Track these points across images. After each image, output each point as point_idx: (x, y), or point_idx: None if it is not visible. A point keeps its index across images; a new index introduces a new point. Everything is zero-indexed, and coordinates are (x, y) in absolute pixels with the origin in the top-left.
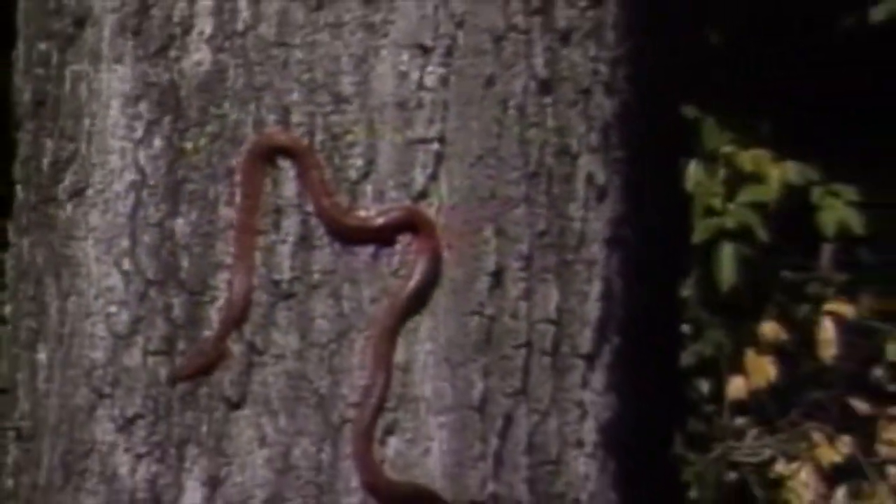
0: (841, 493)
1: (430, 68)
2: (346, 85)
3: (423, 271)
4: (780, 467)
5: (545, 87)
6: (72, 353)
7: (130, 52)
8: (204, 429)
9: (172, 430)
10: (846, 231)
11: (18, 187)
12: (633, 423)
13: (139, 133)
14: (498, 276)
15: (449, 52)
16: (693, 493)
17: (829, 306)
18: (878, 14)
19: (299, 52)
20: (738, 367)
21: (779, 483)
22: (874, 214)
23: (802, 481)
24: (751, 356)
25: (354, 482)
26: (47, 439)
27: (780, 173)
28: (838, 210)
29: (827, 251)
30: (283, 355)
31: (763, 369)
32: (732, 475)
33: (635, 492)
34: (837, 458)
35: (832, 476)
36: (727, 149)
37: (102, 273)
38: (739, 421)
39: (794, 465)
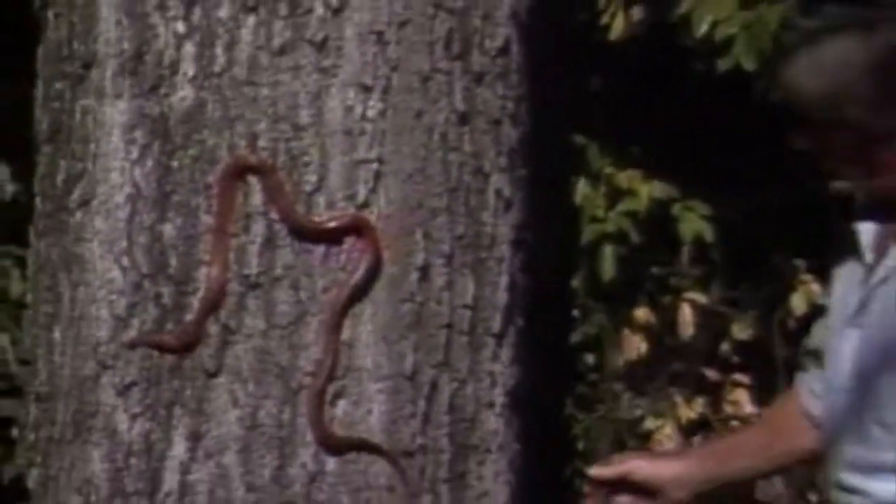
0: (696, 442)
1: (370, 103)
2: (303, 116)
3: (366, 267)
4: (649, 424)
5: (463, 118)
6: (81, 332)
7: (128, 90)
8: (188, 393)
9: (162, 394)
10: (699, 237)
11: (37, 199)
12: (532, 389)
13: (135, 155)
14: (425, 271)
15: (386, 91)
16: (580, 445)
17: (687, 295)
18: (723, 65)
19: (265, 90)
20: (617, 344)
21: (648, 436)
22: (720, 224)
23: (666, 434)
24: (626, 335)
25: (310, 437)
26: (61, 402)
27: (649, 190)
28: (693, 221)
29: (685, 252)
30: (252, 335)
31: (636, 345)
32: (612, 430)
33: (535, 444)
34: (693, 416)
35: (689, 430)
36: (608, 170)
37: (105, 268)
38: (617, 387)
39: (660, 422)
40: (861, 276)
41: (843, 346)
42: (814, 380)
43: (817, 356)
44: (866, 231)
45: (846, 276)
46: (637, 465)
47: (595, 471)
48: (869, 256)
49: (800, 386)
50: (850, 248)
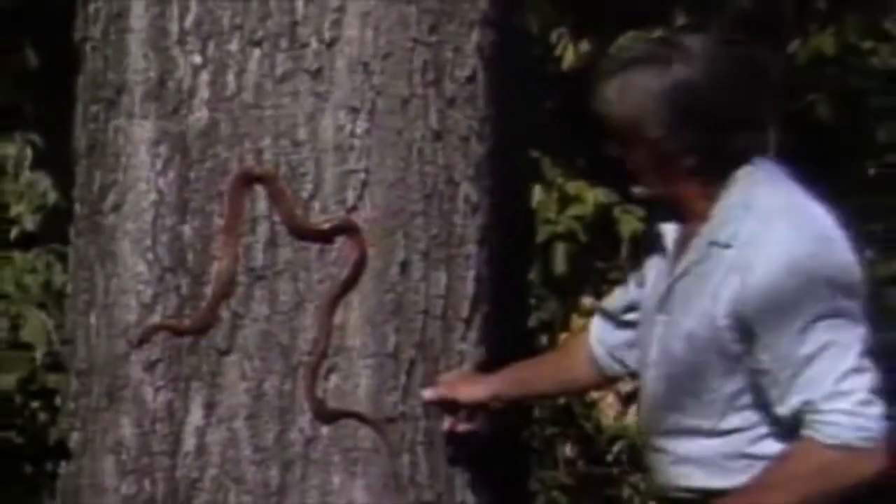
0: (632, 410)
1: (358, 123)
2: (301, 134)
3: (354, 262)
4: (594, 394)
5: (437, 136)
6: (113, 317)
7: (153, 112)
8: (203, 369)
9: (182, 370)
10: (636, 235)
11: (76, 204)
12: (495, 366)
13: (159, 167)
14: (405, 265)
15: (371, 112)
16: (536, 412)
17: None
18: None
19: (269, 112)
20: (567, 328)
21: (593, 405)
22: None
23: (608, 403)
24: (575, 319)
25: (307, 406)
26: (96, 376)
27: (594, 196)
28: (631, 222)
29: (624, 249)
30: (258, 319)
31: (583, 329)
32: (562, 400)
33: (498, 410)
34: (629, 389)
35: (626, 399)
36: (559, 179)
37: (133, 263)
38: None
39: (603, 393)
40: (666, 270)
41: (652, 331)
42: (602, 329)
43: (605, 313)
44: (671, 230)
45: (656, 269)
46: (460, 391)
47: (428, 394)
48: (672, 252)
49: (591, 331)
50: (658, 245)
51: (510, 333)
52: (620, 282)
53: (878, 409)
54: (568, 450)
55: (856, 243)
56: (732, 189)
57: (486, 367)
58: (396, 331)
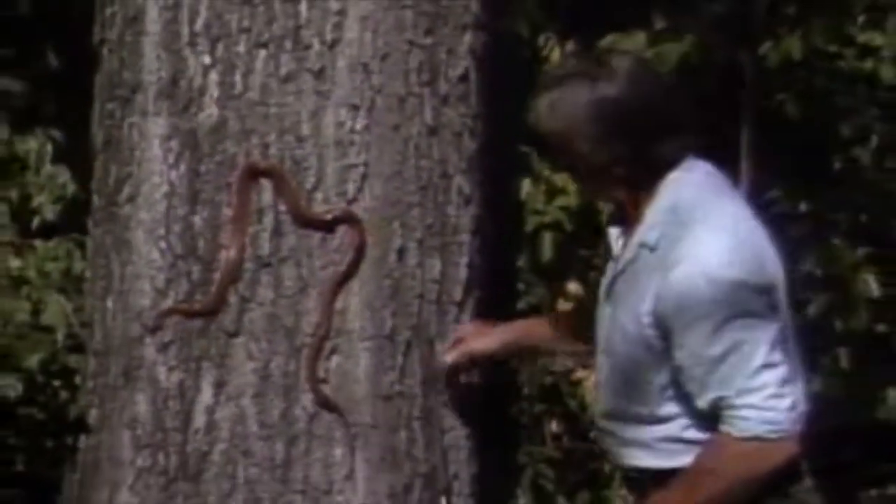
0: None
1: (358, 120)
2: (304, 130)
3: (355, 250)
4: (579, 374)
5: (432, 132)
6: (128, 301)
7: (166, 109)
8: (213, 350)
9: (193, 351)
10: None
11: (94, 196)
12: None
13: (171, 161)
14: (402, 253)
15: (370, 110)
16: (525, 390)
17: None
18: None
19: (274, 109)
20: (553, 311)
21: (578, 383)
22: None
23: (593, 382)
24: (561, 304)
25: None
26: (113, 357)
27: (578, 188)
28: None
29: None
30: (264, 303)
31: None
32: (549, 379)
33: (488, 391)
34: None
35: None
36: (546, 172)
37: (147, 250)
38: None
39: (587, 373)
40: (612, 267)
41: (600, 321)
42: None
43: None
44: (615, 232)
45: (608, 266)
46: (475, 345)
47: (451, 357)
48: (616, 251)
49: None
50: (607, 245)
51: (500, 317)
52: (603, 269)
53: (787, 401)
54: (554, 426)
55: (820, 233)
56: (662, 193)
57: None
58: (394, 314)
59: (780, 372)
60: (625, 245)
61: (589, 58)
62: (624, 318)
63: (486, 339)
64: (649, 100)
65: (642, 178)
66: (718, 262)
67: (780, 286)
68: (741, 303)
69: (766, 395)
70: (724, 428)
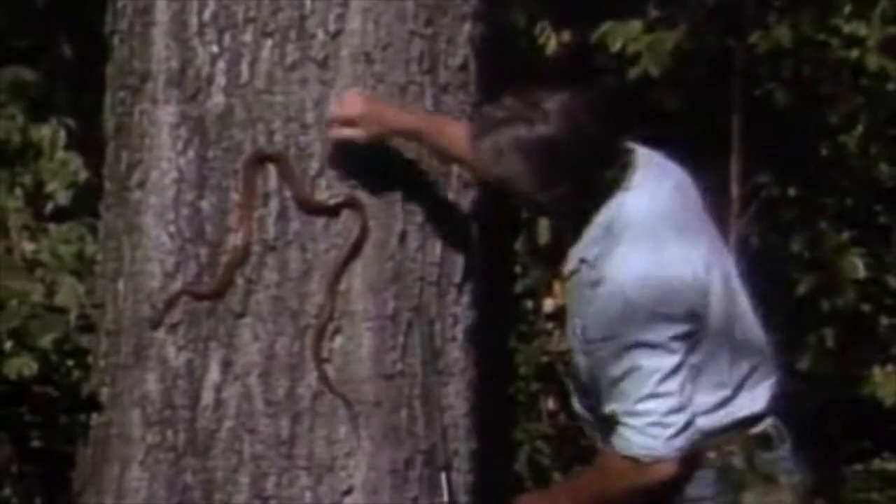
0: None
1: None
2: (309, 117)
3: (358, 234)
4: None
5: None
6: (138, 283)
7: (175, 97)
8: (220, 331)
9: (201, 331)
10: None
11: (105, 181)
12: (485, 326)
13: (180, 147)
14: (403, 236)
15: None
16: (522, 370)
17: None
18: (634, 73)
19: (280, 97)
20: (549, 292)
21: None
22: None
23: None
24: (557, 285)
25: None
26: (124, 337)
27: None
28: None
29: None
30: (270, 285)
31: (565, 293)
32: (545, 358)
33: (485, 368)
34: None
35: None
36: None
37: (157, 234)
38: (549, 325)
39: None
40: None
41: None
42: None
43: None
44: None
45: None
46: (387, 112)
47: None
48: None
49: None
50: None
51: (498, 298)
52: None
53: (670, 430)
54: (550, 404)
55: (807, 217)
56: (603, 210)
57: (476, 333)
58: (395, 296)
59: (669, 402)
60: (569, 257)
61: (523, 99)
62: (570, 328)
63: (403, 114)
64: (584, 135)
65: (585, 203)
66: (635, 287)
67: (707, 304)
68: (649, 330)
69: (648, 422)
70: (612, 440)
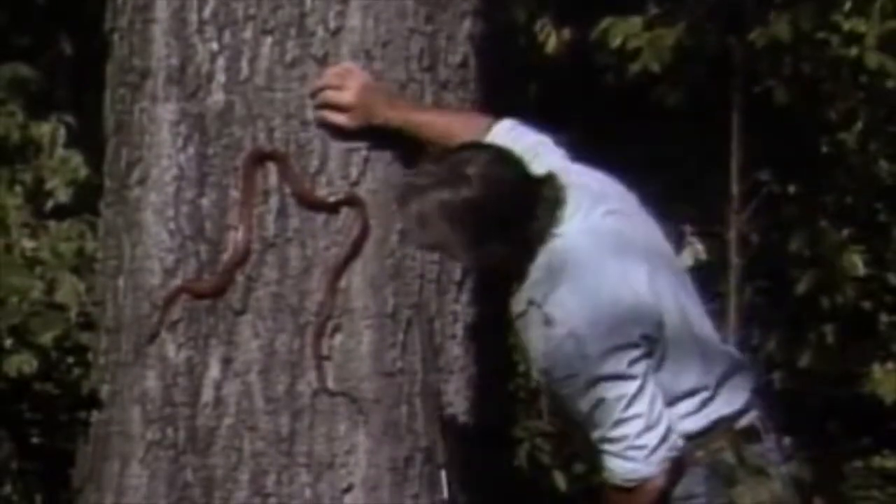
0: None
1: None
2: (309, 115)
3: (358, 231)
4: None
5: None
6: (138, 280)
7: (174, 95)
8: (220, 328)
9: (201, 328)
10: None
11: (106, 178)
12: (484, 323)
13: (180, 144)
14: (403, 234)
15: None
16: (521, 367)
17: None
18: (635, 68)
19: (279, 94)
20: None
21: None
22: None
23: None
24: None
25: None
26: (124, 334)
27: None
28: None
29: None
30: (270, 283)
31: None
32: None
33: (484, 364)
34: None
35: None
36: None
37: (157, 231)
38: None
39: None
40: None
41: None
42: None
43: None
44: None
45: None
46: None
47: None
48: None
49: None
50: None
51: (498, 295)
52: None
53: (643, 451)
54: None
55: (807, 214)
56: (541, 252)
57: (475, 330)
58: (395, 293)
59: (637, 425)
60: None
61: (445, 164)
62: (533, 363)
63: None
64: (507, 195)
65: (522, 253)
66: (583, 326)
67: (661, 322)
68: (605, 363)
69: (624, 447)
70: (601, 472)
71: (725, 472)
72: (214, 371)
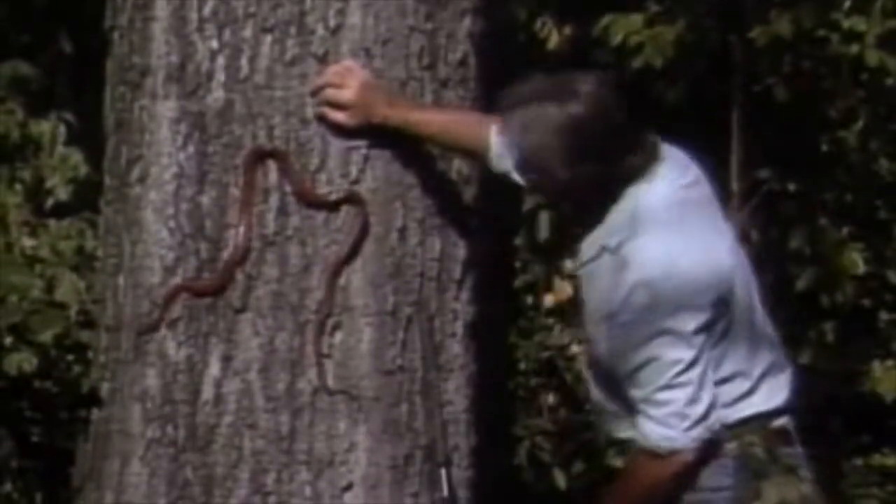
0: None
1: None
2: (309, 113)
3: (358, 229)
4: (574, 348)
5: None
6: (138, 278)
7: (174, 93)
8: (220, 326)
9: (201, 327)
10: None
11: (106, 176)
12: (484, 322)
13: (179, 143)
14: (403, 232)
15: None
16: (522, 365)
17: None
18: (636, 63)
19: (279, 93)
20: (549, 288)
21: (573, 358)
22: None
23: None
24: (557, 281)
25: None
26: (124, 332)
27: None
28: None
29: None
30: (270, 281)
31: (564, 289)
32: (545, 354)
33: (485, 364)
34: None
35: None
36: None
37: (157, 229)
38: (549, 320)
39: (582, 347)
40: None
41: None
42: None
43: None
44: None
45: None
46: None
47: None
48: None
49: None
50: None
51: (498, 293)
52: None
53: (686, 422)
54: (550, 398)
55: (807, 212)
56: (625, 199)
57: (476, 328)
58: (395, 291)
59: (687, 393)
60: (584, 243)
61: (554, 79)
62: (590, 315)
63: (388, 109)
64: (613, 119)
65: (608, 188)
66: (661, 277)
67: (732, 293)
68: (674, 319)
69: (667, 412)
70: (635, 434)
71: (756, 466)
72: (214, 369)
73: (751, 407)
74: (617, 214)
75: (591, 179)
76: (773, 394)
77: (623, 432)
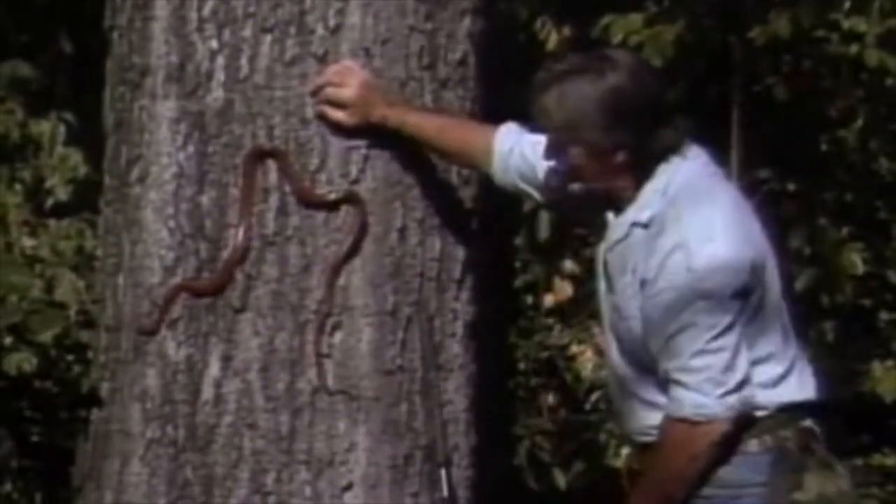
0: None
1: None
2: (308, 113)
3: (357, 229)
4: (574, 348)
5: None
6: (138, 278)
7: (174, 93)
8: (220, 326)
9: (201, 326)
10: None
11: (105, 176)
12: (484, 322)
13: (179, 143)
14: (403, 232)
15: None
16: (522, 365)
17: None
18: None
19: (279, 93)
20: (549, 288)
21: (573, 358)
22: None
23: (587, 357)
24: (557, 281)
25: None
26: (124, 332)
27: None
28: None
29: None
30: (269, 280)
31: (564, 289)
32: (545, 353)
33: (486, 363)
34: None
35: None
36: None
37: (156, 229)
38: (549, 320)
39: (582, 347)
40: (602, 246)
41: (598, 298)
42: (521, 156)
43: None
44: (611, 216)
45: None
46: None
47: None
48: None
49: (506, 140)
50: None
51: (498, 293)
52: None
53: (721, 389)
54: (550, 398)
55: (806, 212)
56: (657, 175)
57: (475, 328)
58: (395, 291)
59: (724, 358)
60: (613, 225)
61: (589, 54)
62: (618, 296)
63: (383, 108)
64: (650, 91)
65: (642, 163)
66: (696, 237)
67: (765, 267)
68: (709, 285)
69: (702, 379)
70: (666, 405)
71: (794, 460)
72: (214, 369)
73: (788, 391)
74: (647, 192)
75: (626, 148)
76: (805, 385)
77: (647, 420)
